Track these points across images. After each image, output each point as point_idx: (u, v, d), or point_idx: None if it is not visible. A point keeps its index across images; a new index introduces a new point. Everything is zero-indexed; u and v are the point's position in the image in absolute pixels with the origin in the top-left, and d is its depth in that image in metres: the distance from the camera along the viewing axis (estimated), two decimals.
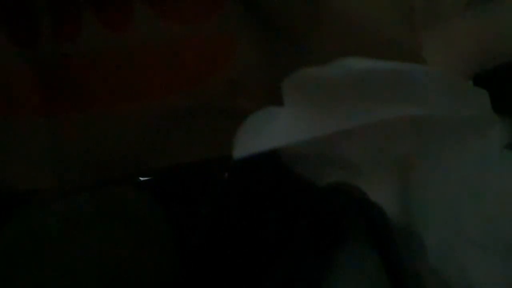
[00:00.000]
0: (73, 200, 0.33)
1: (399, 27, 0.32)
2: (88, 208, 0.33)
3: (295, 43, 0.33)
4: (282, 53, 0.34)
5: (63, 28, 0.33)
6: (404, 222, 0.30)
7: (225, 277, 0.31)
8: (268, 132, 0.29)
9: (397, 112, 0.30)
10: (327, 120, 0.29)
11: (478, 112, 0.31)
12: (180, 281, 0.32)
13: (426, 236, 0.29)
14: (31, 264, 0.31)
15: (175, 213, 0.34)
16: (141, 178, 0.36)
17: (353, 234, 0.30)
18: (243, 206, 0.32)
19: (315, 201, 0.31)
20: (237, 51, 0.34)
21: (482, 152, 0.31)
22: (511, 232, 0.30)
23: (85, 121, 0.34)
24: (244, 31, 0.34)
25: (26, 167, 0.34)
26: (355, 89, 0.29)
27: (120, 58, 0.34)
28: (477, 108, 0.31)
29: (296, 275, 0.30)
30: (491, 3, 0.34)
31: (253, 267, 0.31)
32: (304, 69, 0.29)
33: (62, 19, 0.33)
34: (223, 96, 0.34)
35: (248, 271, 0.31)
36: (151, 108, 0.34)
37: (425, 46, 0.32)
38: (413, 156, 0.31)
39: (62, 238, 0.32)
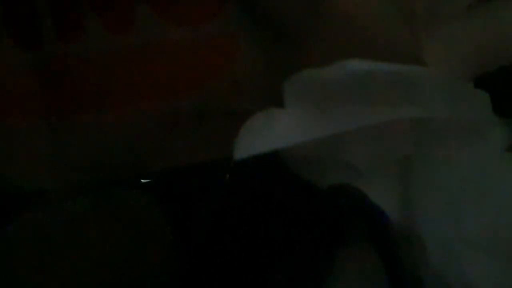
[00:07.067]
0: (76, 201, 0.33)
1: (400, 29, 0.33)
2: (90, 210, 0.33)
3: (296, 45, 0.34)
4: (283, 54, 0.34)
5: (66, 30, 0.33)
6: (405, 224, 0.30)
7: (227, 278, 0.31)
8: (269, 133, 0.29)
9: (398, 114, 0.30)
10: (328, 122, 0.29)
11: (479, 114, 0.31)
12: (181, 283, 0.32)
13: (427, 237, 0.29)
14: (34, 264, 0.31)
15: (176, 215, 0.34)
16: (143, 180, 0.36)
17: (354, 235, 0.30)
18: (244, 207, 0.32)
19: (316, 202, 0.31)
20: (239, 53, 0.34)
21: (482, 154, 0.31)
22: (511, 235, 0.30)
23: (87, 122, 0.34)
24: (246, 33, 0.34)
25: (29, 168, 0.34)
26: (356, 91, 0.29)
27: (122, 60, 0.34)
28: (477, 110, 0.31)
29: (297, 276, 0.30)
30: (491, 6, 0.34)
31: (254, 268, 0.31)
32: (305, 71, 0.30)
33: (65, 21, 0.33)
34: (224, 98, 0.34)
35: (249, 272, 0.31)
36: (152, 110, 0.34)
37: (426, 48, 0.32)
38: (413, 158, 0.31)
39: (64, 239, 0.32)
